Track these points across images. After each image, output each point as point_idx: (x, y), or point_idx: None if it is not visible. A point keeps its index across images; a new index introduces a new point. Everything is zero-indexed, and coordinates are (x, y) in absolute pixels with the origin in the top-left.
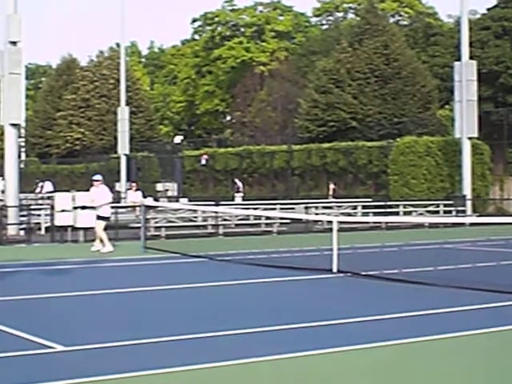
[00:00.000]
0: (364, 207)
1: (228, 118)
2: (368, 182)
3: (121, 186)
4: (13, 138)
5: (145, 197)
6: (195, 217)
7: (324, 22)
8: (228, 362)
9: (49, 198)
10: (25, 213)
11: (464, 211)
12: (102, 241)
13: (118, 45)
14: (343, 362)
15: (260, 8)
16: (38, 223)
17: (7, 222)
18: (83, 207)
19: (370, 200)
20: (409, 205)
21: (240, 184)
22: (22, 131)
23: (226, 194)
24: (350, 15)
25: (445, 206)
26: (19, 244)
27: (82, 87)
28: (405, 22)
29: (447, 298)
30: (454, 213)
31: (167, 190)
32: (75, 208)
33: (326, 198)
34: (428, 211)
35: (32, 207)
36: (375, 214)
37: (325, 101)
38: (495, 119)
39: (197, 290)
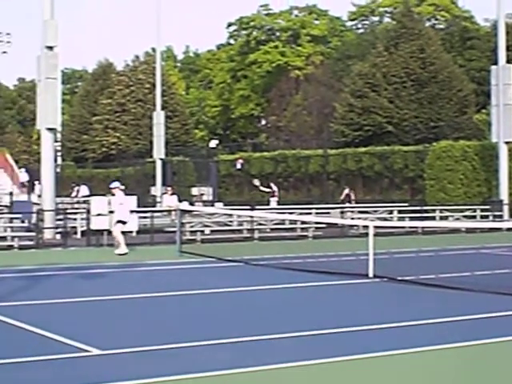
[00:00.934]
0: (400, 212)
1: (263, 122)
2: (404, 187)
3: (156, 190)
4: (49, 143)
5: (180, 201)
6: (230, 221)
7: (360, 25)
8: (268, 367)
9: (85, 201)
10: (61, 217)
11: (501, 216)
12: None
13: (153, 49)
14: (381, 367)
15: (295, 12)
16: (74, 227)
17: (43, 225)
18: None
19: (406, 205)
20: (445, 209)
21: (275, 188)
22: (59, 135)
23: (261, 198)
24: (386, 19)
25: (481, 210)
26: (55, 248)
27: (117, 92)
28: (441, 26)
29: (484, 303)
30: (490, 218)
31: (202, 195)
32: (111, 212)
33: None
34: (464, 216)
35: (68, 211)
36: (411, 218)
37: (360, 105)
38: None
39: (233, 295)
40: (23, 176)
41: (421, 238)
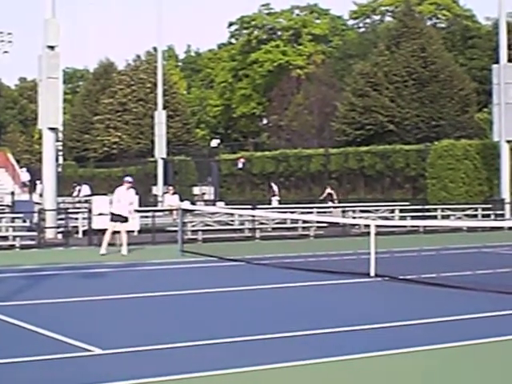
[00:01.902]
0: (401, 211)
1: (265, 121)
2: (405, 186)
3: (158, 189)
4: (50, 142)
5: (182, 200)
6: (232, 220)
7: (361, 25)
8: (267, 366)
9: (86, 201)
10: (62, 216)
11: (502, 215)
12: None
13: (155, 49)
14: (383, 366)
15: (297, 11)
16: (76, 226)
17: (45, 225)
18: None
19: (407, 204)
20: (447, 208)
21: (276, 188)
22: (60, 135)
23: (262, 197)
24: (387, 18)
25: (483, 209)
26: (57, 247)
27: (119, 91)
28: (442, 25)
29: (486, 302)
30: (492, 216)
31: (204, 194)
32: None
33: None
34: (466, 215)
35: (70, 211)
36: (413, 217)
37: (362, 104)
38: None
39: (234, 294)
40: (24, 176)
41: (422, 236)
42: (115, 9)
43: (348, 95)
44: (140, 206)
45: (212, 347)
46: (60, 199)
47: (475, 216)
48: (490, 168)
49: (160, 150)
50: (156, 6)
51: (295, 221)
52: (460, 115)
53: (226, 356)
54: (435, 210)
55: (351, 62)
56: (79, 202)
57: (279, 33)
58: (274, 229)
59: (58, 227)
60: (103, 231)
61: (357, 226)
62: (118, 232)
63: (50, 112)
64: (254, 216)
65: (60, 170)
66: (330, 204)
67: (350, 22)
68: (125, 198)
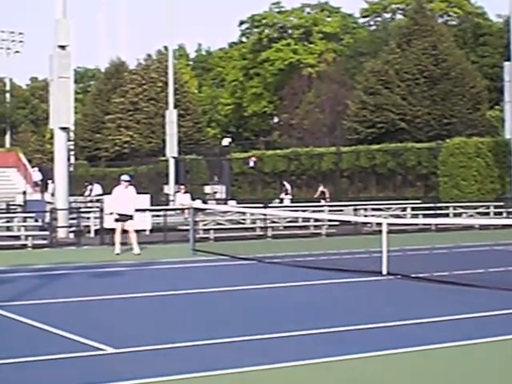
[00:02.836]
0: (413, 209)
1: (276, 119)
2: (417, 184)
3: (169, 188)
4: (62, 142)
5: (193, 199)
6: (244, 219)
7: (372, 22)
8: (284, 364)
9: (98, 200)
10: (74, 215)
11: None
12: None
13: (165, 48)
14: (396, 364)
15: (307, 9)
16: (88, 226)
17: (57, 224)
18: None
19: (419, 202)
20: (459, 206)
21: (288, 186)
22: (71, 135)
23: (274, 196)
24: (398, 16)
25: (495, 207)
26: (69, 246)
27: (130, 90)
28: (453, 22)
29: (498, 300)
30: (504, 214)
31: (215, 193)
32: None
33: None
34: (478, 213)
35: (81, 210)
36: (425, 215)
37: (373, 102)
38: None
39: (247, 293)
40: (36, 175)
41: (434, 235)
42: (126, 8)
43: (359, 93)
44: (151, 205)
45: (224, 346)
46: (72, 198)
47: (487, 214)
48: (502, 166)
49: (171, 149)
50: (167, 4)
51: (307, 219)
52: (472, 113)
53: (239, 355)
54: (447, 207)
55: (362, 60)
56: (91, 201)
57: (290, 31)
58: (285, 227)
59: (69, 226)
60: (114, 230)
61: (369, 225)
62: (136, 231)
63: (62, 111)
64: (265, 214)
65: (72, 169)
66: (323, 203)
67: (361, 20)
68: (124, 197)
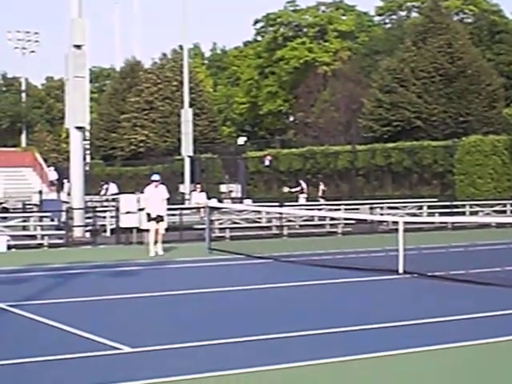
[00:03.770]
0: (429, 207)
1: (291, 118)
2: (433, 182)
3: (185, 187)
4: (78, 141)
5: (209, 198)
6: (259, 218)
7: (387, 21)
8: (299, 364)
9: (114, 199)
10: (90, 215)
11: None
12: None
13: (180, 47)
14: (413, 363)
15: (322, 8)
16: (104, 225)
17: (73, 224)
18: None
19: (435, 200)
20: (475, 204)
21: (304, 185)
22: (87, 134)
23: (289, 194)
24: (414, 14)
25: None
26: (85, 246)
27: (145, 89)
28: (469, 20)
29: None
30: None
31: (231, 192)
32: (140, 210)
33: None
34: (495, 211)
35: (97, 209)
36: (441, 214)
37: (389, 100)
38: None
39: (263, 291)
40: (52, 175)
41: (451, 233)
42: (141, 7)
43: (375, 91)
44: (167, 204)
45: (240, 345)
46: (88, 198)
47: (504, 212)
48: None
49: (187, 148)
50: (182, 3)
51: (323, 218)
52: (488, 110)
53: (254, 354)
54: (463, 206)
55: (378, 58)
56: (107, 200)
57: (305, 30)
58: (301, 226)
59: (85, 226)
60: (131, 229)
61: (385, 223)
62: (147, 230)
63: (77, 111)
64: (281, 213)
65: (87, 168)
66: (323, 201)
67: (377, 18)
68: (155, 197)
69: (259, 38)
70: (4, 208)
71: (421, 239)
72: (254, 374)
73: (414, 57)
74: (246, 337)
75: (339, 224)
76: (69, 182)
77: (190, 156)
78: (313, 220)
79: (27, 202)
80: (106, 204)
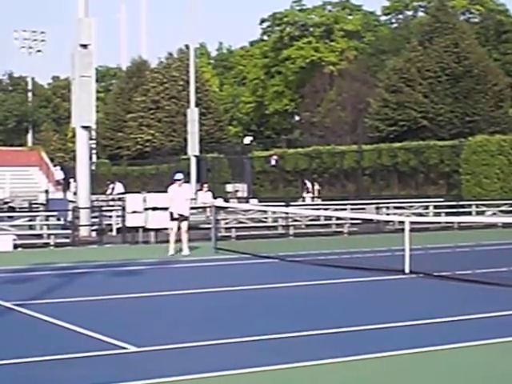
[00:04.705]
0: (436, 207)
1: (297, 118)
2: (440, 182)
3: (191, 187)
4: (84, 140)
5: (215, 198)
6: (265, 217)
7: (393, 20)
8: (305, 363)
9: (120, 199)
10: (96, 214)
11: None
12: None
13: (187, 46)
14: (420, 363)
15: (329, 7)
16: (110, 224)
17: (79, 223)
18: (154, 208)
19: (441, 200)
20: (481, 204)
21: (309, 184)
22: (93, 133)
23: (295, 194)
24: (420, 13)
25: None
26: (91, 245)
27: (151, 89)
28: (475, 20)
29: None
30: None
31: (237, 191)
32: (146, 209)
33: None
34: (501, 211)
35: (103, 208)
36: (447, 213)
37: (395, 100)
38: None
39: (270, 291)
40: (58, 174)
41: (457, 233)
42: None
43: (381, 91)
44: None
45: (247, 345)
46: (94, 197)
47: (510, 212)
48: None
49: (193, 148)
50: (188, 3)
51: (329, 218)
52: (494, 110)
53: (261, 354)
54: (470, 206)
55: (384, 58)
56: (113, 199)
57: (311, 29)
58: (307, 226)
59: (91, 225)
60: (137, 229)
61: (391, 223)
62: (157, 230)
63: (84, 110)
64: (287, 213)
65: (93, 168)
66: (317, 201)
67: (383, 18)
68: (179, 196)
69: (265, 38)
70: (10, 207)
71: (427, 239)
72: (263, 373)
73: (420, 56)
74: (255, 336)
75: (345, 224)
76: (75, 181)
77: (196, 155)
78: (319, 220)
79: (33, 202)
80: (112, 203)
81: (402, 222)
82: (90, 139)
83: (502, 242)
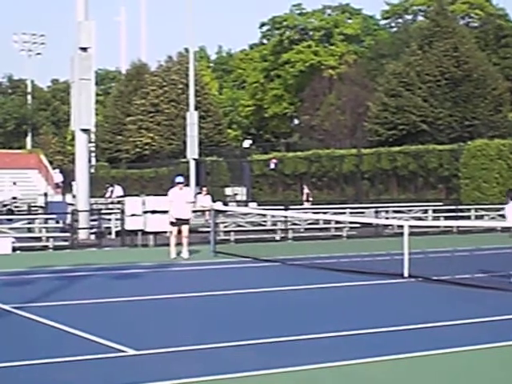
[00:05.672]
0: (435, 211)
1: (296, 121)
2: (439, 186)
3: (192, 190)
4: (83, 143)
5: (214, 201)
6: (264, 221)
7: (393, 24)
8: (306, 367)
9: (119, 202)
10: (95, 217)
11: None
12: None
13: (186, 50)
14: (417, 367)
15: (328, 11)
16: (109, 227)
17: (78, 226)
18: (153, 211)
19: (440, 204)
20: (480, 209)
21: (307, 191)
22: (92, 136)
23: (294, 198)
24: (420, 17)
25: None
26: (90, 248)
27: (151, 92)
28: (475, 24)
29: None
30: None
31: (236, 195)
32: (145, 212)
33: (302, 204)
34: (500, 215)
35: (102, 211)
36: (446, 218)
37: (394, 104)
38: None
39: (271, 295)
40: (57, 177)
41: (456, 237)
42: (147, 10)
43: (380, 95)
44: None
45: (247, 348)
46: (93, 200)
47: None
48: None
49: (192, 151)
50: (188, 6)
51: (328, 221)
52: (493, 115)
53: (262, 357)
54: (469, 210)
55: (383, 62)
56: (112, 202)
57: (311, 33)
58: (306, 229)
59: (90, 228)
60: (136, 232)
61: (390, 227)
62: (156, 233)
63: (83, 113)
64: (286, 217)
65: (93, 171)
66: (307, 205)
67: (382, 22)
68: (180, 199)
69: (265, 41)
70: (9, 210)
71: (426, 243)
72: (264, 376)
73: (419, 61)
74: (256, 339)
75: (344, 227)
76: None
77: (195, 159)
78: (318, 223)
79: (32, 204)
80: (111, 206)
81: (401, 226)
82: (90, 142)
83: (501, 246)
